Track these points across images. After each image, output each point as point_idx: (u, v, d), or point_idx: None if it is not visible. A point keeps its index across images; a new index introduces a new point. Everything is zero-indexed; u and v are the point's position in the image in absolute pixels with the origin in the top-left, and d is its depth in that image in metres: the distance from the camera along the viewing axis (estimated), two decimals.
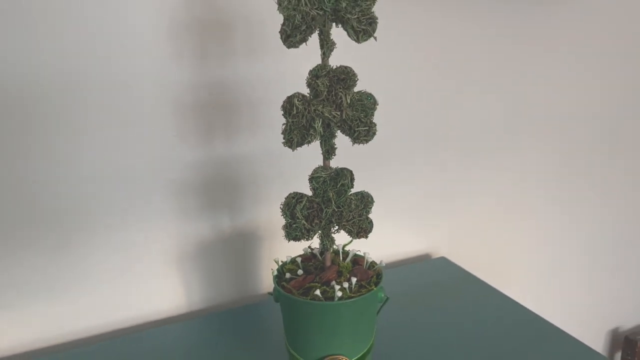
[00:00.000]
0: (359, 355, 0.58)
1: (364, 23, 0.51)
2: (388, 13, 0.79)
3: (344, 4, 0.50)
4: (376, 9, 0.76)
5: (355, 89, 0.54)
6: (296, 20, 0.51)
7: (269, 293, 0.61)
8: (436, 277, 0.86)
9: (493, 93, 0.92)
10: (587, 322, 1.23)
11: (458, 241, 0.98)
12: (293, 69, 0.74)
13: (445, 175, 0.93)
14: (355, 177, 0.56)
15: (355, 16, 0.51)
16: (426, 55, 0.84)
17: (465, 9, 0.85)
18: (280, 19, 0.51)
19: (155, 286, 0.75)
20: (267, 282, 0.82)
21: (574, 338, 0.69)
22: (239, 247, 0.79)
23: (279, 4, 0.51)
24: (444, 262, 0.91)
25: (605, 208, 1.15)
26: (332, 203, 0.55)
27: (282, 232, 0.57)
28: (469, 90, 0.90)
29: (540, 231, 1.08)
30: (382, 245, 0.90)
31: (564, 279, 1.15)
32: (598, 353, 0.66)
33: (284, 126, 0.54)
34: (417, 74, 0.84)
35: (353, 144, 0.54)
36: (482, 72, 0.90)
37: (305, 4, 0.50)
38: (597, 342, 1.26)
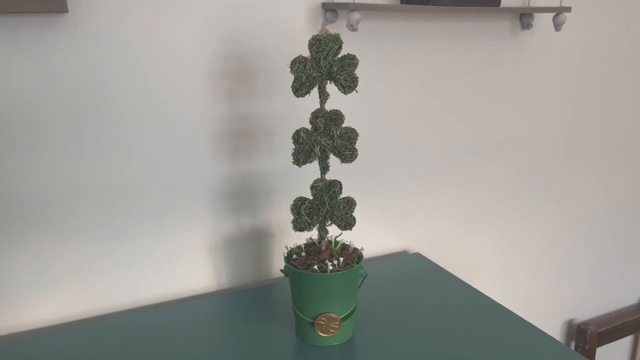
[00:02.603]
0: (345, 314, 0.81)
1: (349, 81, 0.75)
2: (381, 57, 1.03)
3: (335, 69, 0.74)
4: (370, 55, 1.00)
5: (344, 125, 0.78)
6: (302, 79, 0.75)
7: (281, 270, 0.84)
8: (410, 268, 1.08)
9: (462, 122, 1.16)
10: (544, 314, 1.45)
11: (432, 240, 1.21)
12: (299, 107, 0.98)
13: (423, 187, 1.16)
14: (344, 186, 0.80)
15: (343, 77, 0.75)
16: (409, 92, 1.08)
17: (442, 55, 1.09)
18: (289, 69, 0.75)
19: (192, 270, 0.98)
20: (277, 267, 1.05)
21: (533, 326, 0.86)
22: (256, 240, 1.02)
23: (291, 68, 0.75)
24: (418, 256, 1.14)
25: (558, 214, 1.38)
26: (327, 204, 0.78)
27: (290, 227, 0.80)
28: (443, 119, 1.13)
29: (503, 233, 1.31)
30: (368, 242, 1.13)
31: (522, 278, 1.38)
32: (554, 339, 0.83)
33: (293, 150, 0.78)
34: (401, 107, 1.08)
35: (341, 163, 0.78)
36: (455, 105, 1.14)
37: (309, 69, 0.75)
38: (553, 333, 1.48)
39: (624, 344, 1.60)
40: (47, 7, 0.76)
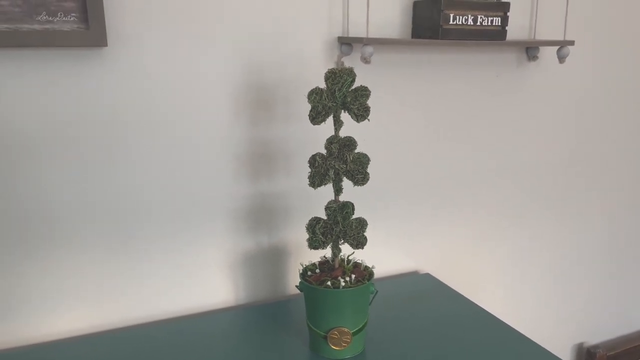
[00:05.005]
0: (357, 328, 0.86)
1: (361, 111, 0.82)
2: (392, 87, 1.09)
3: (349, 99, 0.81)
4: (382, 86, 1.06)
5: (356, 150, 0.84)
6: (319, 108, 0.82)
7: (296, 286, 0.89)
8: (420, 287, 1.13)
9: (469, 146, 1.21)
10: (554, 337, 1.47)
11: (441, 261, 1.25)
12: (315, 133, 1.04)
13: (431, 209, 1.21)
14: (356, 207, 0.85)
15: (356, 106, 0.81)
16: (418, 120, 1.14)
17: (450, 85, 1.15)
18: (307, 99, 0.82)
19: (211, 285, 1.04)
20: (292, 283, 1.10)
21: (542, 347, 0.90)
22: (273, 258, 1.08)
23: (308, 98, 0.82)
24: (427, 277, 1.18)
25: (566, 235, 1.41)
26: (340, 224, 0.84)
27: (306, 245, 0.86)
28: (451, 144, 1.19)
29: (511, 254, 1.34)
30: (379, 262, 1.18)
31: (531, 299, 1.41)
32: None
33: (309, 173, 0.84)
34: (411, 134, 1.14)
35: (354, 185, 0.84)
36: (463, 131, 1.19)
37: (325, 99, 0.81)
38: (563, 355, 1.49)
39: None
40: (88, 41, 0.84)
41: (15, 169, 0.87)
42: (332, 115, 0.83)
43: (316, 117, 0.82)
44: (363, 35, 1.03)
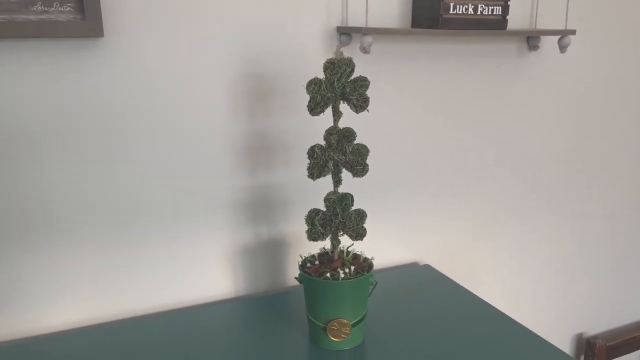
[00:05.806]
0: (356, 320, 0.86)
1: (360, 101, 0.81)
2: (392, 77, 1.09)
3: (348, 90, 0.80)
4: (382, 76, 1.06)
5: (355, 141, 0.83)
6: (317, 99, 0.81)
7: (295, 277, 0.89)
8: (419, 279, 1.12)
9: (470, 138, 1.21)
10: (553, 327, 1.47)
11: (441, 252, 1.25)
12: (314, 124, 1.03)
13: (431, 200, 1.20)
14: (355, 198, 0.85)
15: (355, 97, 0.80)
16: (418, 110, 1.13)
17: (450, 74, 1.14)
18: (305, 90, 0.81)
19: (211, 277, 1.04)
20: (292, 275, 1.10)
21: (541, 337, 0.90)
22: (273, 249, 1.08)
23: (307, 88, 0.81)
24: (427, 268, 1.18)
25: (567, 227, 1.41)
26: (339, 216, 0.84)
27: (305, 237, 0.85)
28: (451, 135, 1.18)
29: (511, 245, 1.34)
30: (379, 253, 1.17)
31: (531, 290, 1.40)
32: (562, 350, 0.86)
33: (308, 164, 0.84)
34: (411, 124, 1.13)
35: (353, 177, 0.83)
36: (462, 122, 1.18)
37: (324, 89, 0.80)
38: (562, 346, 1.49)
39: (633, 358, 1.61)
40: (84, 32, 0.83)
41: (14, 166, 0.86)
42: (331, 106, 0.82)
43: (315, 108, 0.81)
44: (362, 25, 1.02)
